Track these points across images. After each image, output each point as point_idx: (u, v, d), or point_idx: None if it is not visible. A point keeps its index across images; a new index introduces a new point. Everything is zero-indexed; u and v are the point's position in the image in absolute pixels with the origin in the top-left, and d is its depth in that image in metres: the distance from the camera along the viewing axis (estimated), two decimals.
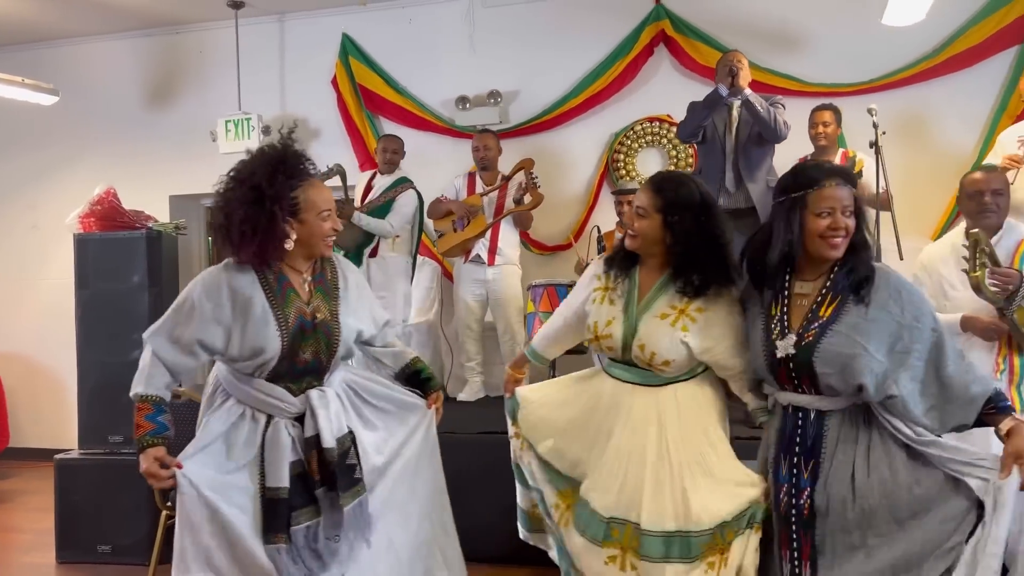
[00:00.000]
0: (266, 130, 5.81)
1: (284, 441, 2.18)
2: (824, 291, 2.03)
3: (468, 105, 5.60)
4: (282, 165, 2.17)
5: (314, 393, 2.23)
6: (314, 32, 5.95)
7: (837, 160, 4.42)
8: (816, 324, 2.00)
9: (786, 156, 4.32)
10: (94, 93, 6.31)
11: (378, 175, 5.12)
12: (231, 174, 2.19)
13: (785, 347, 2.01)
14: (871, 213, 4.03)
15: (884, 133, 3.96)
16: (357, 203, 5.00)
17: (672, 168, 5.37)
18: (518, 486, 2.56)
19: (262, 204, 2.11)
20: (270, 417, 2.22)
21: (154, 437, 2.13)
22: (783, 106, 3.97)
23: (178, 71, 6.24)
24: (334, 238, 2.27)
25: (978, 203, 2.90)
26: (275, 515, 2.14)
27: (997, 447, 1.97)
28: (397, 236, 4.95)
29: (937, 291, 3.01)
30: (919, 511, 1.91)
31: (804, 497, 2.01)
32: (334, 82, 5.89)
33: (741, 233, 3.71)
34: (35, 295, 6.33)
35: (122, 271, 4.27)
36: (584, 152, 5.53)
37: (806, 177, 2.07)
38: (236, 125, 5.76)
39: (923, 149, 4.96)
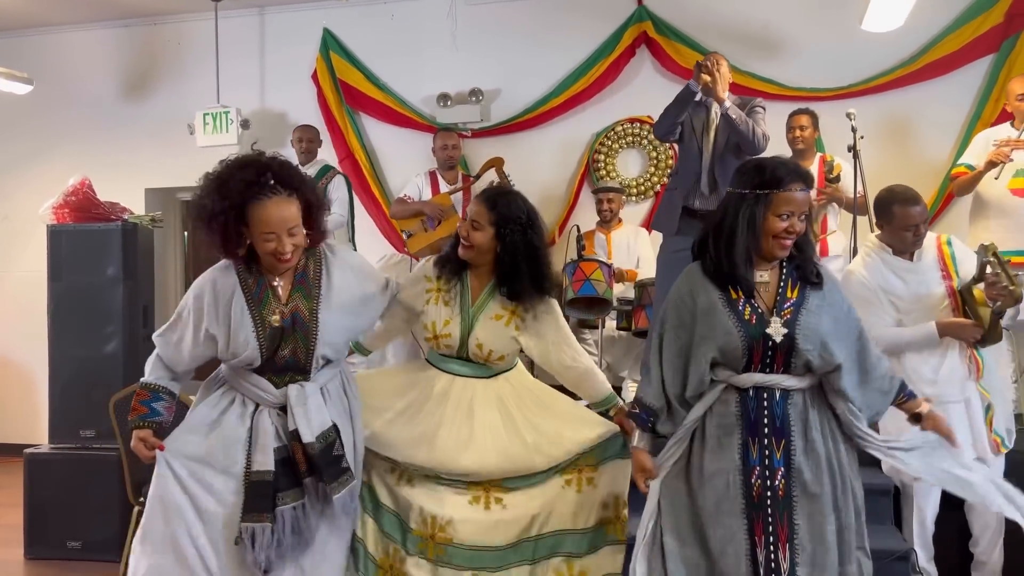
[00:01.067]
0: (245, 124, 5.75)
1: (268, 428, 2.29)
2: (784, 276, 2.13)
3: (450, 103, 5.58)
4: (247, 172, 2.23)
5: (293, 389, 2.30)
6: (295, 26, 5.91)
7: (815, 164, 4.46)
8: (789, 304, 2.08)
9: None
10: (69, 83, 6.22)
11: (300, 167, 5.06)
12: (215, 166, 2.30)
13: (776, 329, 2.04)
14: (847, 217, 4.07)
15: (863, 138, 4.00)
16: None
17: (652, 170, 5.39)
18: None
19: (218, 204, 2.22)
20: (258, 404, 2.34)
21: (143, 420, 2.32)
22: (763, 108, 3.92)
23: (156, 62, 6.16)
24: (287, 259, 2.28)
25: (913, 234, 3.01)
26: (260, 496, 2.24)
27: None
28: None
29: (887, 307, 3.05)
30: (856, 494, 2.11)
31: (779, 478, 2.02)
32: (314, 77, 5.85)
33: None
34: (5, 287, 6.22)
35: (96, 263, 4.21)
36: (565, 152, 5.54)
37: (773, 176, 2.08)
38: (214, 118, 5.70)
39: (900, 154, 5.02)
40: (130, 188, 5.70)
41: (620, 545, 2.51)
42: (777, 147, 4.48)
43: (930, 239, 3.09)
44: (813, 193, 4.34)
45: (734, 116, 3.72)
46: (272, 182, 2.25)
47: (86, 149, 6.08)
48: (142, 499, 3.24)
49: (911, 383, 2.88)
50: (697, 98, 3.81)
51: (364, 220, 5.63)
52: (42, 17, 6.04)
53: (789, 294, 2.10)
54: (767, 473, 2.04)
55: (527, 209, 2.49)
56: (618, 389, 4.78)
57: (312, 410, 2.29)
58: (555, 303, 2.58)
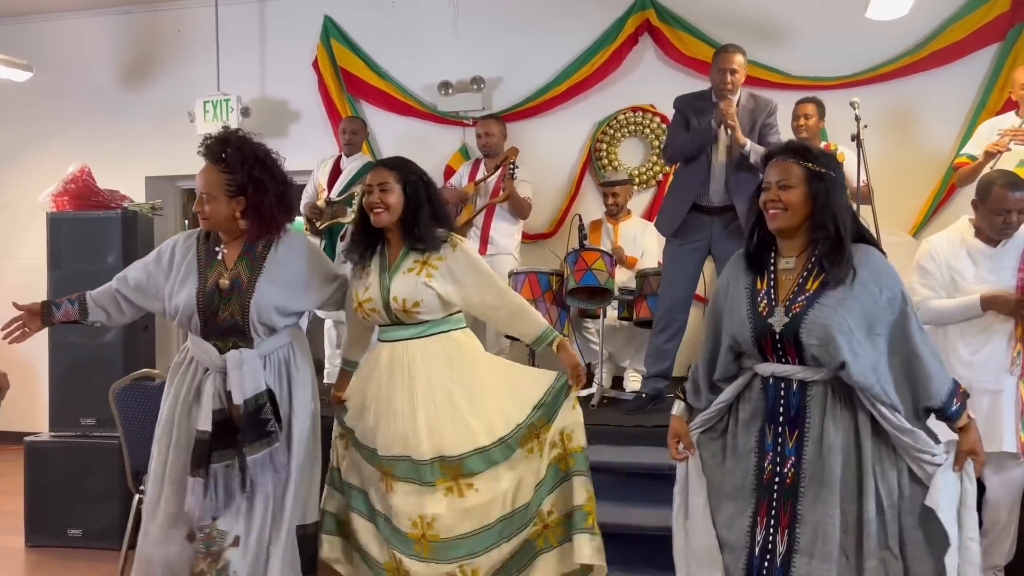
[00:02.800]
0: (245, 111, 5.73)
1: (209, 391, 2.53)
2: (809, 266, 2.07)
3: (451, 91, 5.55)
4: (207, 141, 2.56)
5: (232, 353, 2.53)
6: (295, 13, 5.87)
7: None
8: (803, 296, 2.04)
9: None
10: (69, 70, 6.19)
11: (343, 158, 5.07)
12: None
13: (779, 321, 2.04)
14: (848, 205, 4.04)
15: (866, 127, 3.97)
16: (325, 187, 4.94)
17: (654, 159, 5.37)
18: (327, 492, 2.84)
19: None
20: (207, 369, 2.57)
21: (52, 304, 2.72)
22: (776, 121, 3.85)
23: (156, 50, 6.13)
24: (205, 219, 2.56)
25: (1004, 220, 2.92)
26: (199, 454, 2.50)
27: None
28: None
29: (947, 282, 3.03)
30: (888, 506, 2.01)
31: (788, 466, 2.05)
32: (315, 65, 5.82)
33: (730, 230, 3.75)
34: (5, 275, 6.20)
35: (96, 251, 4.20)
36: (567, 141, 5.51)
37: (767, 156, 2.17)
38: (215, 106, 5.68)
39: (904, 143, 4.99)
40: (130, 176, 5.69)
41: (574, 478, 2.66)
42: (784, 135, 4.46)
43: (1020, 236, 2.99)
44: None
45: (754, 158, 3.66)
46: (222, 154, 2.52)
47: (86, 136, 6.06)
48: (142, 487, 3.28)
49: (948, 362, 2.84)
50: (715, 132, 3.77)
51: None
52: (42, 4, 6.01)
53: (809, 285, 2.05)
54: (778, 460, 2.07)
55: (419, 168, 2.73)
56: (620, 379, 4.79)
57: (247, 374, 2.50)
58: (470, 249, 2.72)
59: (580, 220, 4.51)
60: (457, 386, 2.64)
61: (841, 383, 2.02)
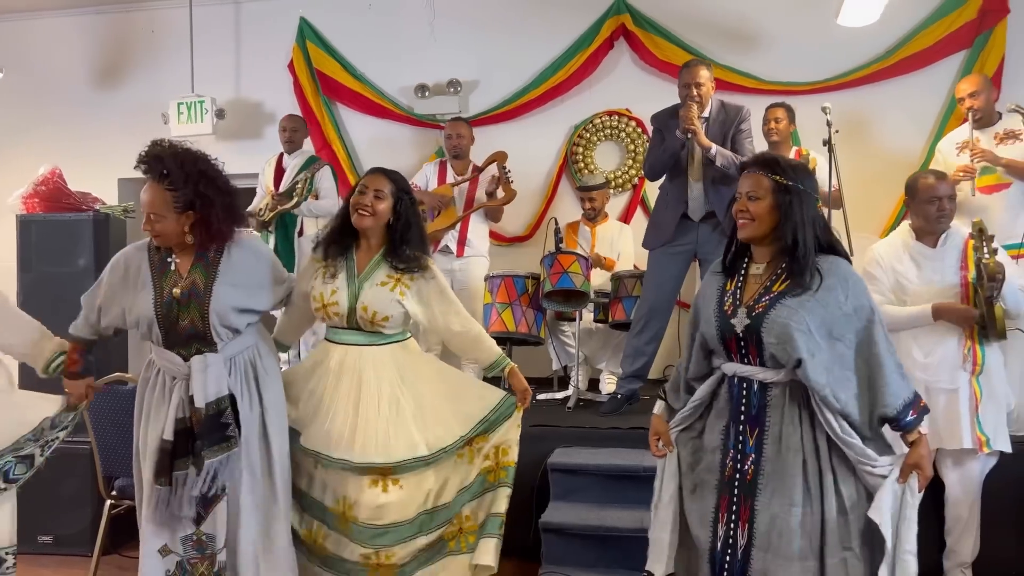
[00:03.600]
0: (220, 113, 5.69)
1: (174, 400, 2.54)
2: (778, 271, 2.14)
3: (427, 93, 5.56)
4: (146, 153, 2.55)
5: (196, 358, 2.54)
6: (271, 14, 5.84)
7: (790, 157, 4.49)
8: (767, 297, 2.11)
9: None
10: (41, 70, 6.11)
11: (285, 156, 5.05)
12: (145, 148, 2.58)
13: (740, 320, 2.12)
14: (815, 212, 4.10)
15: (837, 132, 4.03)
16: (271, 185, 4.93)
17: (630, 162, 5.41)
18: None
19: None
20: (174, 378, 2.57)
21: (85, 371, 2.74)
22: (749, 125, 3.89)
23: (129, 50, 6.07)
24: (156, 237, 2.56)
25: (937, 208, 3.04)
26: (161, 463, 2.52)
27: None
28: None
29: (895, 287, 3.11)
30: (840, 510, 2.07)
31: (749, 463, 2.12)
32: (291, 66, 5.79)
33: (716, 235, 3.80)
34: None
35: (67, 254, 4.16)
36: (543, 144, 5.53)
37: (742, 166, 2.29)
38: (189, 108, 5.64)
39: (874, 148, 5.07)
40: (102, 178, 5.62)
41: (499, 489, 2.76)
42: (755, 139, 4.52)
43: (961, 232, 3.10)
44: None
45: (721, 163, 3.75)
46: (162, 172, 2.49)
47: (57, 138, 5.98)
48: (114, 492, 3.25)
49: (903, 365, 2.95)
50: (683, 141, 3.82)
51: None
52: (13, 3, 5.92)
53: (775, 288, 2.12)
54: (739, 457, 2.14)
55: (410, 187, 2.79)
56: (596, 382, 4.82)
57: (211, 378, 2.51)
58: (440, 275, 2.80)
59: (556, 223, 4.53)
60: (405, 396, 2.70)
61: (799, 387, 2.08)
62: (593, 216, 4.87)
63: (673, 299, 4.02)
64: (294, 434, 2.72)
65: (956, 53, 4.99)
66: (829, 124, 3.95)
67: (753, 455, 2.12)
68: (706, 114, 3.88)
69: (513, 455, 2.79)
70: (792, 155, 4.51)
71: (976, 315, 2.94)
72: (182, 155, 2.54)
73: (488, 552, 2.70)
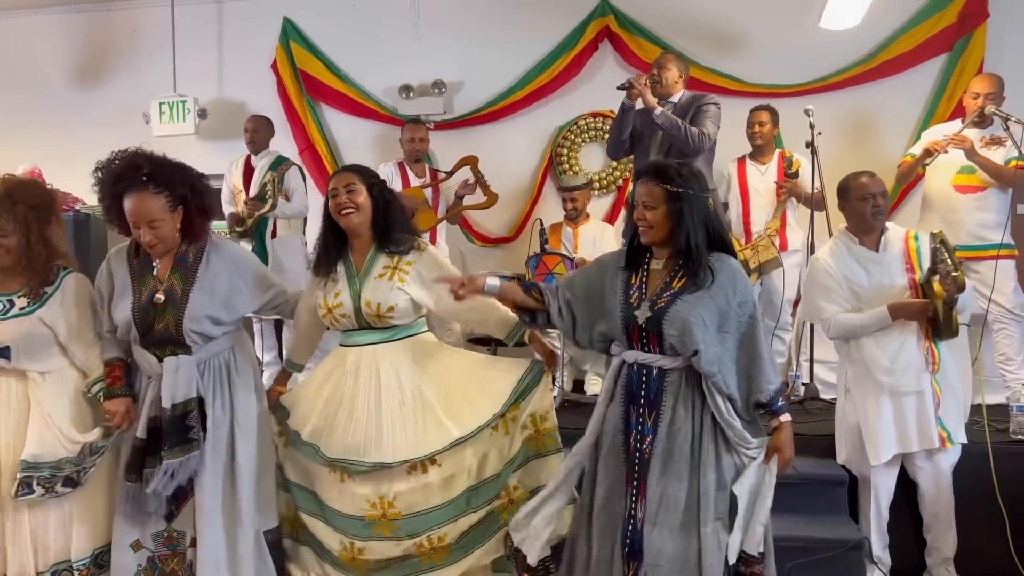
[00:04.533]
0: (202, 113, 5.66)
1: (148, 398, 2.57)
2: (676, 268, 2.31)
3: (412, 94, 5.55)
4: (118, 167, 2.53)
5: (169, 360, 2.55)
6: (254, 14, 5.82)
7: (774, 160, 4.52)
8: (668, 293, 2.29)
9: (725, 155, 4.41)
10: (21, 69, 6.06)
11: (252, 157, 4.98)
12: (99, 163, 2.59)
13: (643, 313, 2.29)
14: (805, 212, 4.12)
15: (820, 134, 4.06)
16: (241, 188, 4.87)
17: (614, 164, 5.42)
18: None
19: (100, 195, 2.60)
20: (150, 377, 2.60)
21: (127, 389, 2.66)
22: (715, 105, 3.95)
23: (110, 50, 6.02)
24: (153, 246, 2.56)
25: (872, 205, 3.09)
26: (133, 460, 2.55)
27: None
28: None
29: (848, 294, 3.12)
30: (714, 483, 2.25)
31: (647, 443, 2.29)
32: (274, 66, 5.77)
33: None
34: None
35: None
36: (528, 145, 5.55)
37: (636, 173, 2.40)
38: (171, 107, 5.60)
39: (857, 150, 5.10)
40: (83, 177, 5.45)
41: (549, 456, 2.72)
42: (739, 142, 4.55)
43: (898, 233, 3.15)
44: (770, 188, 4.41)
45: (662, 122, 3.83)
46: (144, 178, 2.49)
47: (37, 137, 5.92)
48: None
49: (869, 371, 3.06)
50: (638, 107, 3.89)
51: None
52: None
53: (674, 284, 2.29)
54: (639, 437, 2.31)
55: (379, 176, 2.77)
56: (581, 383, 4.82)
57: (180, 380, 2.52)
58: (435, 251, 2.78)
59: (541, 224, 4.53)
60: (428, 386, 2.67)
61: (693, 373, 2.26)
62: (575, 217, 4.87)
63: None
64: (312, 449, 2.67)
65: (937, 56, 5.04)
66: (812, 126, 3.98)
67: (650, 436, 2.28)
68: (675, 99, 4.00)
69: (552, 420, 2.74)
70: (776, 157, 4.53)
71: (931, 306, 2.96)
72: (150, 156, 2.55)
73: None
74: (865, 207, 3.09)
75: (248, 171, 4.93)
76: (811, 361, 4.24)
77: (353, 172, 2.71)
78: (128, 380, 2.66)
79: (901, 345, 3.03)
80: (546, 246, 4.43)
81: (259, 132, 5.00)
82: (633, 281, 2.37)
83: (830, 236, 3.91)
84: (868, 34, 4.98)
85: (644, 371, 2.32)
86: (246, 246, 4.63)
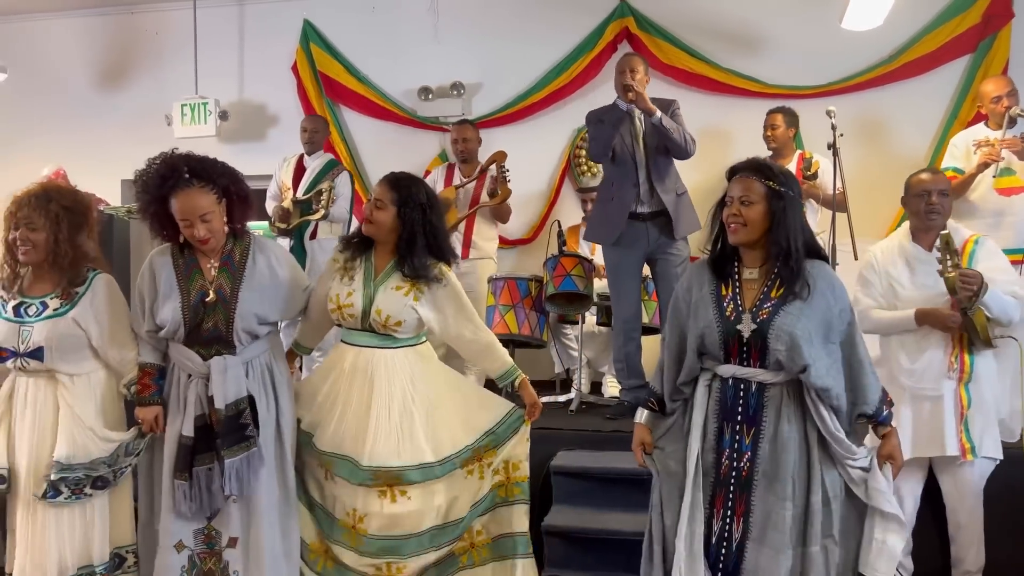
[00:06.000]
0: (223, 115, 5.70)
1: (191, 397, 2.58)
2: (773, 276, 2.19)
3: (431, 96, 5.56)
4: (161, 168, 2.56)
5: (216, 360, 2.58)
6: (275, 16, 5.85)
7: (793, 161, 4.49)
8: (769, 304, 2.16)
9: (744, 157, 4.37)
10: (45, 72, 6.13)
11: (306, 157, 5.00)
12: (138, 172, 2.62)
13: (747, 326, 2.16)
14: (827, 214, 4.09)
15: (842, 135, 4.02)
16: (290, 186, 4.89)
17: None
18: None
19: (143, 199, 2.60)
20: (190, 375, 2.61)
21: (155, 397, 2.67)
22: (679, 108, 3.94)
23: (133, 52, 6.08)
24: (206, 241, 2.57)
25: (926, 202, 3.01)
26: (181, 458, 2.57)
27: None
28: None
29: (887, 290, 3.08)
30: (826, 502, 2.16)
31: (744, 460, 2.19)
32: (294, 68, 5.80)
33: (665, 235, 3.85)
34: None
35: None
36: (546, 147, 5.53)
37: (732, 170, 2.27)
38: (192, 109, 5.65)
39: (878, 152, 5.06)
40: (106, 178, 5.63)
41: (515, 506, 2.77)
42: (759, 144, 4.53)
43: (962, 235, 3.04)
44: None
45: (667, 126, 3.78)
46: (187, 175, 2.52)
47: (62, 139, 5.99)
48: None
49: (890, 372, 3.01)
50: (628, 111, 3.86)
51: None
52: (17, 4, 5.95)
53: (773, 294, 2.17)
54: (735, 455, 2.20)
55: (428, 193, 2.73)
56: (598, 384, 4.81)
57: (230, 380, 2.56)
58: (455, 282, 2.78)
59: (559, 226, 4.53)
60: (414, 401, 2.69)
61: (795, 385, 2.16)
62: None
63: (640, 304, 4.06)
64: (308, 437, 2.73)
65: (961, 57, 4.98)
66: (834, 128, 3.94)
67: (749, 453, 2.18)
68: None
69: (524, 470, 2.78)
70: (795, 159, 4.50)
71: (958, 321, 2.89)
72: (185, 155, 2.60)
73: (529, 570, 2.77)
74: (920, 204, 3.01)
75: (299, 170, 4.95)
76: None
77: (390, 188, 2.69)
78: (158, 387, 2.68)
79: (924, 348, 2.98)
80: (564, 248, 4.42)
81: (318, 133, 5.04)
82: (725, 292, 2.24)
83: (851, 238, 3.89)
84: (890, 35, 4.93)
85: (742, 386, 2.20)
86: (284, 244, 4.67)
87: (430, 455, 2.64)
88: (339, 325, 2.79)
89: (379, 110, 5.72)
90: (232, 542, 2.61)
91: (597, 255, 4.70)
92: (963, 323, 2.89)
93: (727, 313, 2.20)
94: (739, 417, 2.20)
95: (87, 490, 2.59)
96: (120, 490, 2.72)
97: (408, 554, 2.62)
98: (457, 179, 4.88)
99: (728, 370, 2.22)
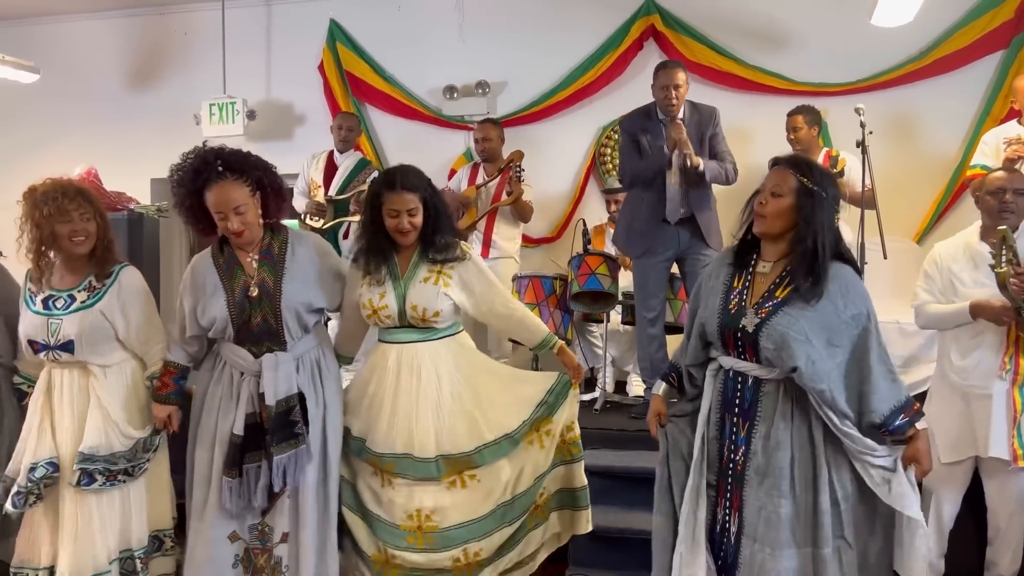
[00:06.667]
0: (251, 114, 5.75)
1: (243, 395, 2.60)
2: (784, 274, 2.19)
3: (456, 95, 5.57)
4: (194, 162, 2.57)
5: (267, 356, 2.60)
6: (301, 17, 5.89)
7: (820, 159, 4.44)
8: (771, 303, 2.16)
9: (773, 155, 4.34)
10: (76, 72, 6.22)
11: (336, 154, 5.03)
12: (172, 167, 2.64)
13: (750, 321, 2.17)
14: (855, 212, 4.05)
15: (871, 133, 3.97)
16: (320, 184, 4.92)
17: None
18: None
19: (178, 193, 2.62)
20: (243, 373, 2.63)
21: (171, 396, 2.74)
22: (719, 114, 3.91)
23: (162, 53, 6.16)
24: (240, 233, 2.58)
25: (999, 200, 2.94)
26: (232, 455, 2.58)
27: None
28: None
29: (947, 287, 3.03)
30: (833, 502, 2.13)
31: (740, 454, 2.20)
32: (321, 68, 5.84)
33: (696, 238, 3.85)
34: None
35: None
36: (571, 145, 5.52)
37: (774, 161, 2.27)
38: (220, 109, 5.70)
39: (908, 150, 4.99)
40: (136, 178, 5.70)
41: (574, 464, 2.83)
42: (783, 142, 4.49)
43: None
44: None
45: (710, 175, 3.77)
46: (220, 168, 2.54)
47: (92, 138, 6.08)
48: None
49: (941, 368, 3.02)
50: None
51: None
52: (50, 6, 6.04)
53: (778, 293, 2.16)
54: (732, 447, 2.23)
55: (425, 176, 2.76)
56: (623, 384, 4.79)
57: (281, 376, 2.57)
58: (478, 257, 2.82)
59: (584, 224, 4.52)
60: (464, 386, 2.72)
61: (794, 384, 2.14)
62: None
63: (665, 303, 4.05)
64: (360, 443, 2.74)
65: (993, 53, 4.90)
66: (863, 125, 3.90)
67: (743, 447, 2.19)
68: (680, 116, 3.84)
69: (576, 429, 2.84)
70: (822, 156, 4.46)
71: (1012, 316, 2.83)
72: (217, 149, 2.62)
73: (585, 524, 2.84)
74: (992, 202, 2.95)
75: (331, 168, 4.98)
76: None
77: (409, 191, 2.66)
78: (178, 387, 2.74)
79: (976, 346, 2.93)
80: (589, 246, 4.41)
81: (353, 131, 5.08)
82: (735, 284, 2.26)
83: (880, 236, 3.85)
84: (921, 31, 4.86)
85: (740, 379, 2.23)
86: None
87: (489, 434, 2.68)
88: (377, 325, 2.79)
89: (405, 109, 5.74)
90: (284, 537, 2.65)
91: None
92: (1019, 322, 2.83)
93: (730, 306, 2.23)
94: (736, 410, 2.22)
95: (120, 476, 2.64)
96: (157, 474, 2.77)
97: (484, 535, 2.65)
98: (481, 178, 4.88)
99: (728, 362, 2.26)
